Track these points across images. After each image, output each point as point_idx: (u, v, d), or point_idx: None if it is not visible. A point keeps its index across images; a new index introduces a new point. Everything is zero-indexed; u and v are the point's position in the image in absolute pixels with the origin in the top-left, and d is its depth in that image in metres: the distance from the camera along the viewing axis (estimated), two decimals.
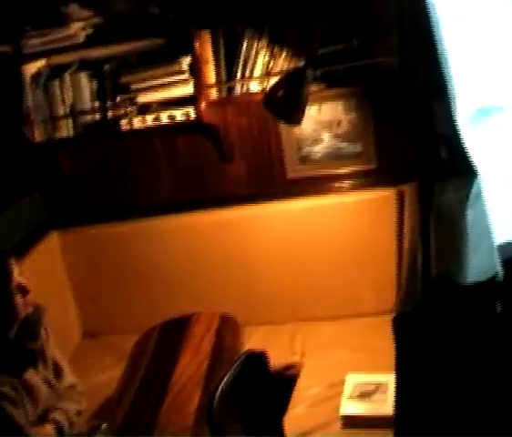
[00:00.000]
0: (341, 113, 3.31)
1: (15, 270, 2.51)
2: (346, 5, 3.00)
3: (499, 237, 2.71)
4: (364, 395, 2.76)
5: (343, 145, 3.35)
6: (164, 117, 3.19)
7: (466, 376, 2.51)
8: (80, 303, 3.64)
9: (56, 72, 3.31)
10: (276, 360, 2.88)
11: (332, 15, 2.99)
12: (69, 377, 2.74)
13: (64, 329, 3.43)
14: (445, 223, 2.69)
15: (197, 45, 3.13)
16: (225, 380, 2.39)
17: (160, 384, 2.73)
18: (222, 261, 3.43)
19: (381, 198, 3.26)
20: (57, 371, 2.69)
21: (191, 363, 2.83)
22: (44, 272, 3.38)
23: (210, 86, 3.18)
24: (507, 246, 2.87)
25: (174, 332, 3.05)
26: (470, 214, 2.54)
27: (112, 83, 3.25)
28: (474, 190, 2.52)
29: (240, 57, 3.14)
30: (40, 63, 3.33)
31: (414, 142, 2.91)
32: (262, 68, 3.15)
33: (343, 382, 2.84)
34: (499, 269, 2.61)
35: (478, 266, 2.58)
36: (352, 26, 3.03)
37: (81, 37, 3.15)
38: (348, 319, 3.27)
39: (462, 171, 2.54)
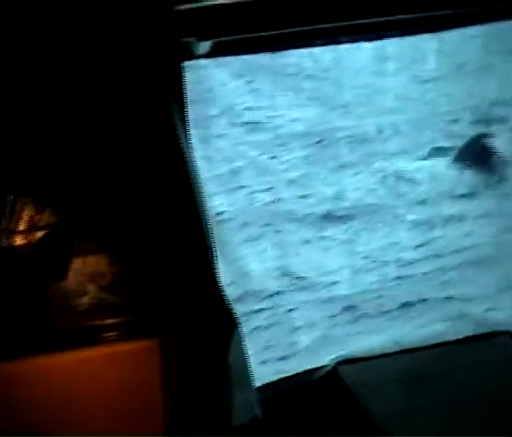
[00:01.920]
0: (105, 265, 3.40)
1: None
2: None
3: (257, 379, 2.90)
4: None
5: (108, 296, 3.42)
6: None
7: None
8: None
9: None
10: None
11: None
12: None
13: None
14: (207, 370, 2.83)
15: None
16: None
17: None
18: None
19: (145, 347, 3.33)
20: None
21: None
22: None
23: None
24: (264, 387, 3.07)
25: None
26: (231, 359, 2.71)
27: None
28: (234, 336, 2.70)
29: (4, 210, 3.15)
30: None
31: (177, 296, 3.06)
32: (27, 222, 3.18)
33: None
34: (258, 410, 2.78)
35: (239, 408, 2.72)
36: None
37: None
38: None
39: (223, 319, 2.72)
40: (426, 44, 4.86)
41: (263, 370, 3.77)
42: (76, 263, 3.36)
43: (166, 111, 2.96)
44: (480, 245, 4.78)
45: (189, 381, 2.98)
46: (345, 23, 3.57)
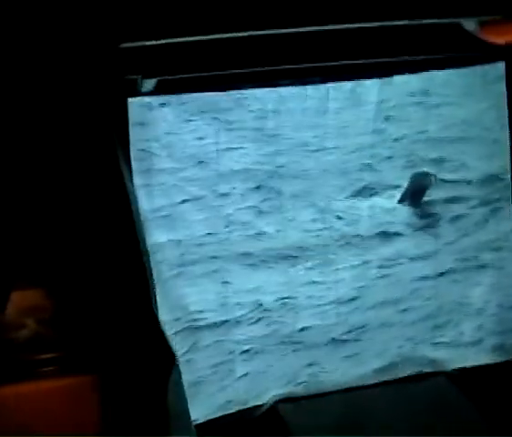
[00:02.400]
0: (43, 299, 3.37)
1: None
2: None
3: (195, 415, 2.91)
4: None
5: (47, 330, 3.39)
6: None
7: None
8: None
9: None
10: None
11: None
12: None
13: None
14: (145, 405, 2.83)
15: None
16: None
17: None
18: None
19: (83, 382, 3.33)
20: None
21: None
22: None
23: None
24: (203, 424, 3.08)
25: None
26: (169, 395, 2.72)
27: None
28: (173, 372, 2.71)
29: None
30: None
31: (115, 332, 3.06)
32: None
33: None
34: None
35: None
36: None
37: None
38: None
39: (162, 355, 2.73)
40: (368, 87, 4.98)
41: (202, 406, 3.77)
42: (15, 296, 3.34)
43: (110, 147, 2.97)
44: (417, 284, 4.88)
45: (126, 417, 2.97)
46: (288, 66, 3.65)
